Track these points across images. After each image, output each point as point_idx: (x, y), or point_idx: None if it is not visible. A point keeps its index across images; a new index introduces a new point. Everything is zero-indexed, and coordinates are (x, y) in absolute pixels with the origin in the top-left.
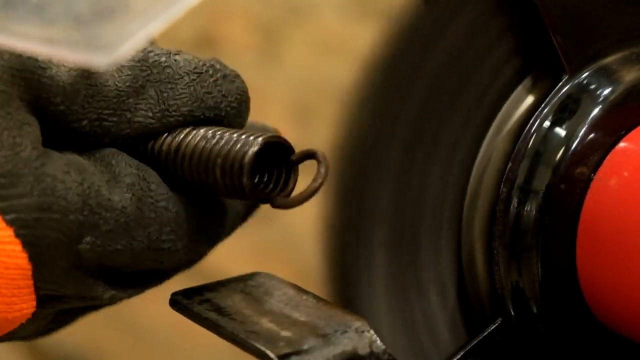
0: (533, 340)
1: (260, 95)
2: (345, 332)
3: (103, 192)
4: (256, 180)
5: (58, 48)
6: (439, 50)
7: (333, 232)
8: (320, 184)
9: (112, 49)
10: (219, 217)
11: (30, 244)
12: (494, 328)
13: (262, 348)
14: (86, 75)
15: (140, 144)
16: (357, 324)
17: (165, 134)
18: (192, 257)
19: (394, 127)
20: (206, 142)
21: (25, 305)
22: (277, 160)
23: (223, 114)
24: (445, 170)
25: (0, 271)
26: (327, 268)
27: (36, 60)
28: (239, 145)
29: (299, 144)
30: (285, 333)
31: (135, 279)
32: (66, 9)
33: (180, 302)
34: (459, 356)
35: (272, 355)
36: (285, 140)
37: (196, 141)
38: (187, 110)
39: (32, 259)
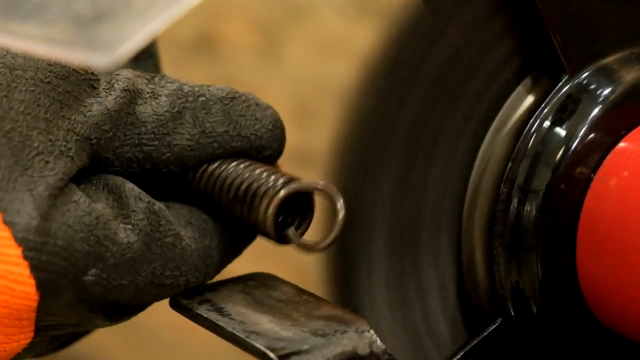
0: (533, 340)
1: (260, 95)
2: (345, 332)
3: (111, 226)
4: (280, 219)
5: (58, 48)
6: (439, 50)
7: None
8: (339, 232)
9: (111, 49)
10: (232, 250)
11: (37, 269)
12: (494, 328)
13: (262, 348)
14: (128, 103)
15: (180, 170)
16: (357, 324)
17: (203, 166)
18: (191, 286)
19: (394, 127)
20: (237, 179)
21: (23, 336)
22: (298, 202)
23: (259, 134)
24: (445, 170)
25: (6, 299)
26: (327, 268)
27: (81, 100)
28: (265, 189)
29: (299, 144)
30: (285, 333)
31: (129, 309)
32: (66, 8)
33: (180, 302)
34: (459, 356)
35: (272, 355)
36: (309, 188)
37: (228, 174)
38: (223, 130)
39: (40, 286)
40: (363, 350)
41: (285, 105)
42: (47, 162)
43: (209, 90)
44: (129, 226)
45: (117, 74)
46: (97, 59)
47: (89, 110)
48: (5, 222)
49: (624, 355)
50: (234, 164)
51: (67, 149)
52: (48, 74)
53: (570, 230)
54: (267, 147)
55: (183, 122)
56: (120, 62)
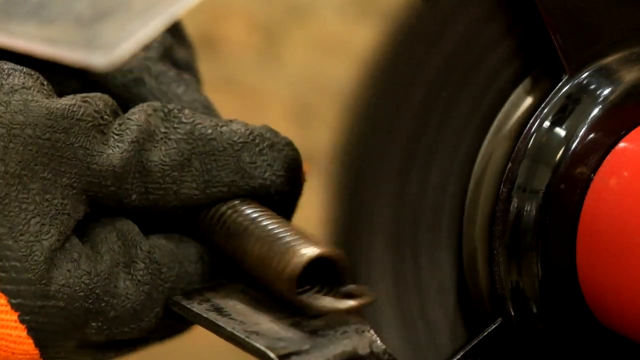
0: (533, 340)
1: (260, 95)
2: (345, 332)
3: (111, 280)
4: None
5: (58, 47)
6: (439, 50)
7: (333, 233)
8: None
9: (111, 49)
10: None
11: (34, 330)
12: (494, 328)
13: (262, 348)
14: (135, 154)
15: (189, 215)
16: (357, 324)
17: (215, 208)
18: None
19: (394, 127)
20: (256, 243)
21: None
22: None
23: (269, 182)
24: (445, 170)
25: (7, 356)
26: None
27: (87, 149)
28: (282, 256)
29: (299, 144)
30: (285, 333)
31: (147, 340)
32: (66, 8)
33: (180, 302)
34: (459, 356)
35: (272, 355)
36: (336, 255)
37: (235, 226)
38: (230, 181)
39: (38, 344)
40: (363, 350)
41: (285, 105)
42: (43, 224)
43: (221, 132)
44: (128, 277)
45: (130, 118)
46: (96, 59)
47: (95, 163)
48: (1, 290)
49: (624, 355)
50: (243, 214)
51: (63, 207)
52: (47, 130)
53: (570, 230)
54: (276, 194)
55: (191, 170)
56: (120, 61)
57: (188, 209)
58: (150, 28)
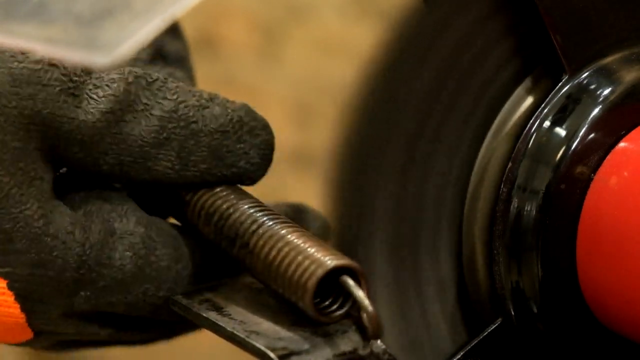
0: (533, 340)
1: (260, 95)
2: (345, 332)
3: (104, 251)
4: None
5: (58, 48)
6: (439, 50)
7: (333, 233)
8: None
9: (111, 49)
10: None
11: (22, 297)
12: (494, 328)
13: (262, 348)
14: (113, 124)
15: (158, 190)
16: (357, 324)
17: (204, 192)
18: None
19: (394, 127)
20: (269, 253)
21: (24, 336)
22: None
23: (242, 171)
24: (445, 170)
25: None
26: None
27: (56, 114)
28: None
29: (299, 144)
30: (285, 333)
31: (137, 322)
32: (66, 8)
33: (180, 302)
34: (459, 356)
35: (272, 355)
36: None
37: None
38: (205, 167)
39: (24, 309)
40: (363, 350)
41: (285, 105)
42: (22, 194)
43: (203, 116)
44: (124, 248)
45: (108, 85)
46: (96, 59)
47: (64, 130)
48: None
49: (624, 355)
50: (233, 204)
51: (35, 172)
52: (13, 97)
53: (570, 230)
54: (247, 180)
55: (167, 149)
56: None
57: (158, 186)
58: (150, 28)
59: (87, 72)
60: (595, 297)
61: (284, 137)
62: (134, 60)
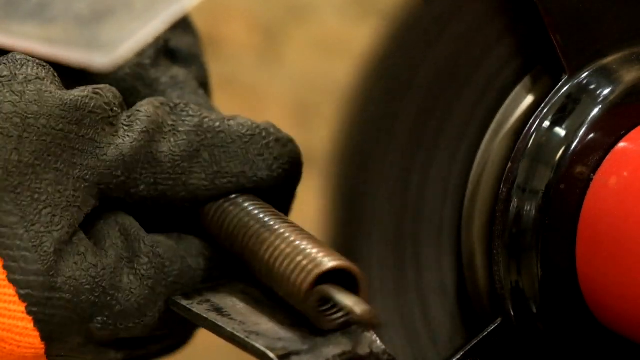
0: (533, 340)
1: (260, 95)
2: (345, 332)
3: (116, 274)
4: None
5: (58, 48)
6: (438, 50)
7: (333, 233)
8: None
9: (112, 49)
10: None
11: (41, 322)
12: (494, 328)
13: (262, 348)
14: (145, 144)
15: (197, 207)
16: (357, 324)
17: (222, 204)
18: None
19: (394, 127)
20: (271, 254)
21: None
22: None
23: (275, 175)
24: (445, 170)
25: (12, 349)
26: None
27: (96, 141)
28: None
29: (299, 144)
30: (285, 333)
31: (147, 340)
32: (66, 9)
33: (180, 302)
34: (459, 356)
35: (272, 355)
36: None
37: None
38: (239, 172)
39: (44, 337)
40: (363, 350)
41: (285, 105)
42: (54, 215)
43: (229, 125)
44: (132, 271)
45: (139, 110)
46: (96, 59)
47: (104, 154)
48: (10, 280)
49: (624, 355)
50: (248, 212)
51: (74, 199)
52: (61, 120)
53: (570, 230)
54: (280, 187)
55: (200, 161)
56: (120, 61)
57: (196, 201)
58: (151, 28)
59: (122, 105)
60: (595, 297)
61: None
62: (136, 65)
